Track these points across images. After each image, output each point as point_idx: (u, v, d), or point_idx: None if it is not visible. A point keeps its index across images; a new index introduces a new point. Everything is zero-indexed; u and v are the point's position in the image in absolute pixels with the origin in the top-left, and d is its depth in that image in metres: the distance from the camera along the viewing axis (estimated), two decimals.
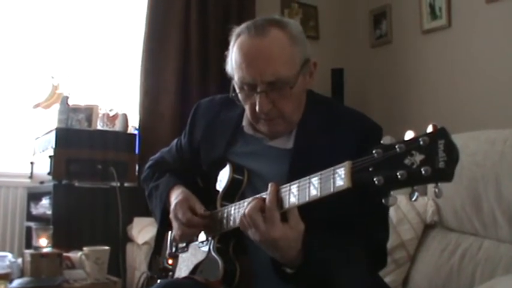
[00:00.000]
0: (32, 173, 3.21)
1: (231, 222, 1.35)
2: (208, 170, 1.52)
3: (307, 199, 1.12)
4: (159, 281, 1.53)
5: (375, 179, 0.95)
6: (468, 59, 3.33)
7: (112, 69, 3.52)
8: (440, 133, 0.90)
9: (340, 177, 1.04)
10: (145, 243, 2.73)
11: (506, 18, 3.10)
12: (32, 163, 3.22)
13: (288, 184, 1.18)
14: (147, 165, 1.76)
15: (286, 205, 1.17)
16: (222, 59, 1.46)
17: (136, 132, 3.32)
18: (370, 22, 4.06)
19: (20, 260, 2.37)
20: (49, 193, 2.88)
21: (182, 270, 1.51)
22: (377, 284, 1.42)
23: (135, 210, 2.91)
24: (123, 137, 3.16)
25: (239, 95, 1.40)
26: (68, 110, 3.00)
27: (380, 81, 3.98)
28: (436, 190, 0.91)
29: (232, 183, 1.43)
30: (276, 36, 1.34)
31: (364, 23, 4.11)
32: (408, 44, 3.75)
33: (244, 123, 1.49)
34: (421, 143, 0.90)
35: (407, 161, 0.92)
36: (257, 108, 1.33)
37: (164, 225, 1.57)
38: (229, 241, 1.39)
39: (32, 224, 2.86)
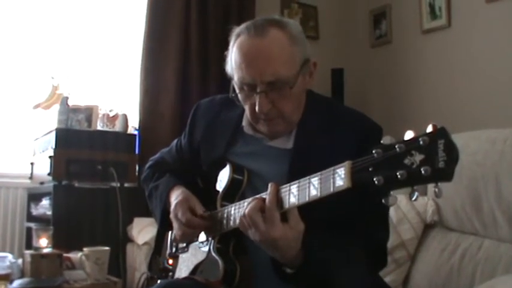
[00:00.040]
0: (32, 173, 3.21)
1: (231, 223, 1.35)
2: (208, 170, 1.52)
3: (307, 199, 1.12)
4: (159, 281, 1.53)
5: (374, 179, 0.95)
6: (468, 58, 3.33)
7: (112, 70, 3.52)
8: (440, 133, 0.90)
9: (340, 177, 1.04)
10: (145, 243, 2.73)
11: (506, 18, 3.10)
12: (32, 164, 3.22)
13: (288, 184, 1.18)
14: (147, 165, 1.76)
15: (286, 205, 1.17)
16: (222, 59, 1.46)
17: (136, 132, 3.32)
18: (370, 22, 4.06)
19: (20, 261, 2.37)
20: (49, 194, 2.88)
21: (182, 271, 1.51)
22: (377, 284, 1.42)
23: (135, 210, 2.91)
24: (123, 137, 3.16)
25: (239, 95, 1.40)
26: (67, 111, 3.00)
27: (380, 81, 3.98)
28: (436, 190, 0.91)
29: (232, 183, 1.43)
30: (275, 36, 1.34)
31: (364, 23, 4.11)
32: (408, 44, 3.75)
33: (244, 123, 1.49)
34: (421, 142, 0.90)
35: (407, 161, 0.92)
36: (257, 108, 1.33)
37: (164, 226, 1.57)
38: (230, 241, 1.39)
39: (32, 225, 2.86)
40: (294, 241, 1.17)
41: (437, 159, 0.88)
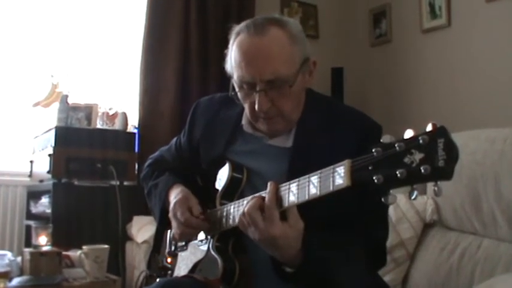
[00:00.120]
0: (31, 171, 3.21)
1: (231, 221, 1.35)
2: (208, 169, 1.52)
3: (306, 198, 1.12)
4: (158, 279, 1.53)
5: (374, 178, 0.95)
6: (468, 58, 3.33)
7: (112, 68, 3.52)
8: (440, 132, 0.90)
9: (339, 175, 1.04)
10: (144, 241, 2.73)
11: (506, 18, 3.10)
12: (31, 162, 3.21)
13: (288, 183, 1.18)
14: (147, 163, 1.76)
15: (286, 204, 1.17)
16: (222, 58, 1.45)
17: (135, 131, 3.32)
18: (370, 21, 4.06)
19: (19, 259, 2.37)
20: (48, 192, 2.88)
21: (181, 269, 1.51)
22: (376, 283, 1.42)
23: (135, 208, 2.91)
24: (123, 135, 3.16)
25: (238, 93, 1.39)
26: (67, 109, 3.00)
27: (380, 80, 3.98)
28: (436, 189, 0.90)
29: (231, 181, 1.43)
30: (275, 35, 1.34)
31: (363, 22, 4.11)
32: (408, 43, 3.75)
33: (244, 121, 1.49)
34: (421, 141, 0.90)
35: (406, 160, 0.92)
36: (256, 106, 1.33)
37: (163, 224, 1.57)
38: (229, 240, 1.39)
39: (31, 223, 2.86)
40: (293, 240, 1.17)
41: (437, 158, 0.88)
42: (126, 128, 3.21)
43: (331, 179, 1.06)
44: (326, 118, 1.42)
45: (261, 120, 1.40)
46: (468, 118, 3.11)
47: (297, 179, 1.16)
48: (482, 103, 3.20)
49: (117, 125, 3.19)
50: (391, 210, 1.95)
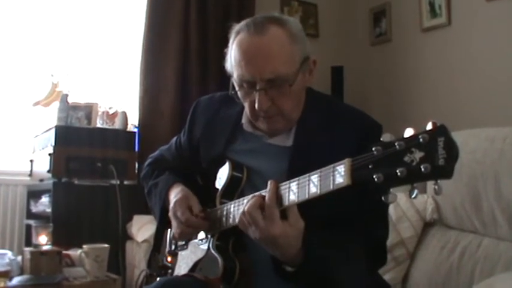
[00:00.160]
0: (31, 170, 3.21)
1: (231, 220, 1.35)
2: (208, 168, 1.52)
3: (306, 196, 1.12)
4: (158, 278, 1.53)
5: (374, 176, 0.95)
6: (468, 57, 3.33)
7: (112, 67, 3.52)
8: (440, 130, 0.90)
9: (339, 174, 1.04)
10: (144, 241, 2.73)
11: (506, 17, 3.10)
12: (31, 161, 3.21)
13: (288, 181, 1.18)
14: (147, 162, 1.76)
15: (286, 202, 1.17)
16: (222, 58, 1.45)
17: (135, 130, 3.32)
18: (370, 20, 4.05)
19: (19, 258, 2.37)
20: (49, 191, 2.88)
21: (182, 268, 1.51)
22: (376, 282, 1.42)
23: (135, 208, 2.92)
24: (123, 135, 3.16)
25: (238, 92, 1.39)
26: (67, 108, 3.00)
27: (380, 79, 3.98)
28: (436, 187, 0.91)
29: (231, 180, 1.43)
30: (275, 33, 1.33)
31: (363, 21, 4.11)
32: (408, 42, 3.75)
33: (244, 120, 1.49)
34: (421, 140, 0.90)
35: (407, 158, 0.92)
36: (256, 105, 1.33)
37: (163, 223, 1.57)
38: (229, 239, 1.39)
39: (31, 222, 2.86)
40: (294, 239, 1.17)
41: (437, 157, 0.88)
42: (126, 127, 3.21)
43: (331, 177, 1.06)
44: (326, 117, 1.42)
45: (261, 119, 1.39)
46: (468, 117, 3.11)
47: (297, 178, 1.15)
48: (482, 102, 3.20)
49: (117, 124, 3.19)
50: (391, 209, 1.95)
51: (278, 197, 1.18)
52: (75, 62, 3.43)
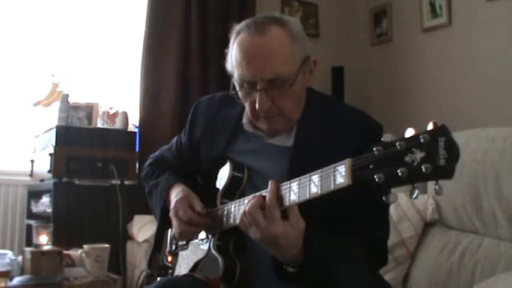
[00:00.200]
0: (32, 171, 3.21)
1: (231, 220, 1.35)
2: (208, 168, 1.52)
3: (307, 196, 1.12)
4: (159, 278, 1.53)
5: (375, 177, 0.95)
6: (468, 57, 3.33)
7: (112, 68, 3.52)
8: (441, 131, 0.90)
9: (340, 174, 1.04)
10: (145, 241, 2.73)
11: (506, 17, 3.10)
12: (32, 161, 3.22)
13: (288, 182, 1.18)
14: (147, 163, 1.76)
15: (287, 202, 1.17)
16: (222, 58, 1.45)
17: (136, 130, 3.32)
18: (371, 20, 4.06)
19: (20, 258, 2.37)
20: (49, 191, 2.89)
21: (182, 268, 1.51)
22: (377, 282, 1.42)
23: (136, 208, 2.92)
24: (124, 135, 3.16)
25: (239, 92, 1.40)
26: (68, 108, 3.00)
27: (380, 79, 3.98)
28: (437, 187, 0.91)
29: (232, 181, 1.43)
30: (275, 34, 1.34)
31: (364, 21, 4.11)
32: (408, 42, 3.75)
33: (244, 120, 1.49)
34: (422, 140, 0.90)
35: (407, 159, 0.92)
36: (257, 106, 1.33)
37: (164, 223, 1.57)
38: (230, 239, 1.39)
39: (32, 222, 2.86)
40: (294, 239, 1.17)
41: (438, 157, 0.88)
42: (126, 127, 3.21)
43: (332, 177, 1.06)
44: (326, 117, 1.42)
45: (262, 119, 1.40)
46: (468, 117, 3.11)
47: (297, 178, 1.15)
48: (483, 102, 3.20)
49: (118, 124, 3.19)
50: (391, 209, 1.95)
51: (279, 197, 1.18)
52: (76, 62, 3.43)
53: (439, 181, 0.90)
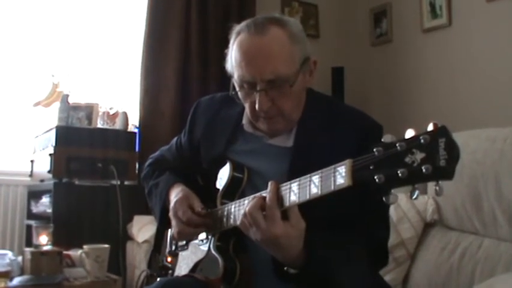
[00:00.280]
0: (32, 171, 3.21)
1: (231, 221, 1.35)
2: (208, 168, 1.52)
3: (307, 197, 1.12)
4: (158, 279, 1.53)
5: (375, 177, 0.95)
6: (468, 57, 3.33)
7: (112, 68, 3.52)
8: (441, 131, 0.90)
9: (341, 175, 1.04)
10: (145, 241, 2.73)
11: (506, 17, 3.10)
12: (32, 161, 3.21)
13: (289, 182, 1.18)
14: (147, 163, 1.76)
15: (287, 203, 1.17)
16: (222, 58, 1.45)
17: (136, 130, 3.32)
18: (371, 21, 4.06)
19: (20, 258, 2.37)
20: (49, 191, 2.89)
21: (182, 269, 1.51)
22: (377, 283, 1.41)
23: (135, 208, 2.91)
24: (124, 135, 3.16)
25: (239, 93, 1.40)
26: (68, 108, 3.00)
27: (380, 80, 3.98)
28: (437, 188, 0.90)
29: (232, 181, 1.43)
30: (275, 34, 1.34)
31: (364, 22, 4.11)
32: (408, 43, 3.75)
33: (244, 121, 1.49)
34: (422, 141, 0.90)
35: (408, 159, 0.92)
36: (257, 106, 1.33)
37: (164, 223, 1.56)
38: (230, 239, 1.39)
39: (32, 222, 2.86)
40: (295, 239, 1.17)
41: (438, 158, 0.88)
42: (126, 127, 3.21)
43: (332, 178, 1.06)
44: (326, 118, 1.42)
45: (262, 120, 1.40)
46: (468, 117, 3.11)
47: (298, 179, 1.15)
48: (483, 103, 3.20)
49: (118, 125, 3.19)
50: (392, 210, 1.95)
51: (279, 197, 1.18)
52: (76, 63, 3.43)
53: (439, 182, 0.90)
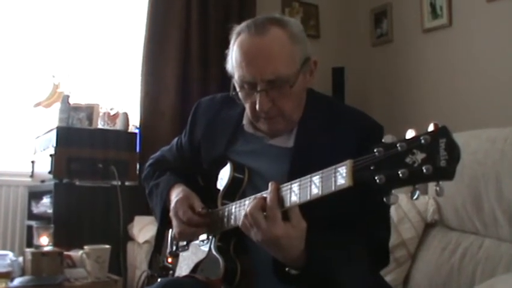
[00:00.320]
0: (32, 171, 3.21)
1: (232, 221, 1.35)
2: (209, 169, 1.52)
3: (308, 197, 1.12)
4: (159, 279, 1.53)
5: (376, 178, 0.95)
6: (469, 58, 3.33)
7: (113, 68, 3.52)
8: (442, 132, 0.90)
9: (341, 175, 1.04)
10: (146, 241, 2.73)
11: (507, 17, 3.10)
12: (32, 162, 3.22)
13: (289, 183, 1.18)
14: (148, 163, 1.76)
15: (288, 203, 1.17)
16: (223, 59, 1.46)
17: (137, 131, 3.32)
18: (371, 21, 4.06)
19: (21, 259, 2.37)
20: (50, 192, 2.89)
21: (183, 269, 1.51)
22: (378, 283, 1.42)
23: (136, 209, 2.92)
24: (124, 135, 3.16)
25: (239, 93, 1.40)
26: (68, 109, 3.00)
27: (381, 80, 3.98)
28: (438, 189, 0.90)
29: (233, 181, 1.43)
30: (276, 34, 1.34)
31: (365, 22, 4.11)
32: (409, 43, 3.75)
33: (245, 121, 1.49)
34: (423, 141, 0.90)
35: (408, 160, 0.92)
36: (257, 106, 1.33)
37: (164, 224, 1.57)
38: (230, 240, 1.39)
39: (33, 223, 2.86)
40: (296, 240, 1.17)
41: (439, 158, 0.88)
42: (127, 128, 3.21)
43: (333, 179, 1.06)
44: (327, 118, 1.42)
45: (262, 120, 1.40)
46: (469, 118, 3.11)
47: (298, 179, 1.15)
48: (483, 103, 3.20)
49: (119, 125, 3.20)
50: (392, 210, 1.95)
51: (279, 198, 1.18)
52: (77, 63, 3.43)
53: (440, 182, 0.90)
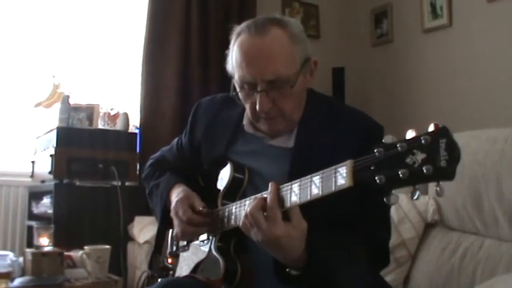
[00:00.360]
0: (33, 172, 3.21)
1: (232, 221, 1.35)
2: (209, 169, 1.52)
3: (308, 198, 1.12)
4: (159, 280, 1.53)
5: (376, 178, 0.95)
6: (469, 58, 3.33)
7: (113, 69, 3.52)
8: (442, 132, 0.90)
9: (341, 176, 1.04)
10: (146, 242, 2.73)
11: (507, 18, 3.10)
12: (33, 162, 3.22)
13: (290, 183, 1.18)
14: (148, 163, 1.76)
15: (288, 204, 1.17)
16: (223, 59, 1.46)
17: (137, 131, 3.33)
18: (371, 21, 4.06)
19: (21, 259, 2.37)
20: (50, 192, 2.89)
21: (183, 269, 1.51)
22: (378, 283, 1.42)
23: (136, 209, 2.92)
24: (124, 136, 3.17)
25: (239, 93, 1.39)
26: (69, 109, 3.00)
27: (381, 80, 3.98)
28: (438, 189, 0.90)
29: (233, 182, 1.43)
30: (276, 35, 1.34)
31: (365, 22, 4.11)
32: (409, 43, 3.75)
33: (245, 122, 1.49)
34: (423, 141, 0.90)
35: (408, 160, 0.92)
36: (257, 107, 1.33)
37: (165, 224, 1.57)
38: (231, 240, 1.39)
39: (33, 223, 2.86)
40: (297, 240, 1.17)
41: (439, 158, 0.88)
42: (127, 128, 3.22)
43: (333, 179, 1.06)
44: (327, 118, 1.42)
45: (262, 121, 1.40)
46: (469, 118, 3.11)
47: (298, 179, 1.15)
48: (484, 103, 3.20)
49: (119, 126, 3.20)
50: (392, 210, 1.95)
51: (280, 198, 1.18)
52: (77, 63, 3.43)
53: (440, 182, 0.90)
